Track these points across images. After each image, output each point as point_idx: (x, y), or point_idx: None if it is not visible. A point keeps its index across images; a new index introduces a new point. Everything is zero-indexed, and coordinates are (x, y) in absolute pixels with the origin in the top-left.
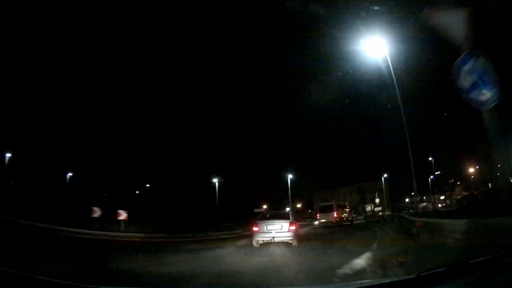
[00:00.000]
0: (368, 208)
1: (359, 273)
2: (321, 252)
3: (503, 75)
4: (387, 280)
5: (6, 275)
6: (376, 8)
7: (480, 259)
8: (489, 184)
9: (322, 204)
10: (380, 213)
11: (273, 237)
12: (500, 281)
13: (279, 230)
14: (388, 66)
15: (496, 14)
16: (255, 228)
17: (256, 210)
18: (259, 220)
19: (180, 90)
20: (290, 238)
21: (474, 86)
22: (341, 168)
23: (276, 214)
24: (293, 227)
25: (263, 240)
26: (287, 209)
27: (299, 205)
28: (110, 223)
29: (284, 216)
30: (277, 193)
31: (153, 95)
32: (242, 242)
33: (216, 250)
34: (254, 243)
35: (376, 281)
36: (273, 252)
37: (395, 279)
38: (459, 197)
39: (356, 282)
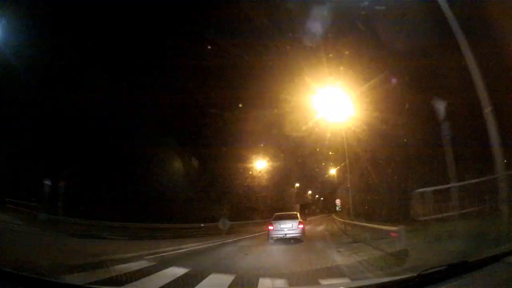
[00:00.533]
0: None
1: None
2: None
3: None
4: (387, 279)
5: (6, 275)
6: None
7: (480, 258)
8: None
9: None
10: None
11: (285, 233)
12: (499, 280)
13: (290, 227)
14: None
15: None
16: (270, 227)
17: None
18: (273, 220)
19: None
20: (301, 231)
21: None
22: None
23: (287, 215)
24: (301, 226)
25: (274, 235)
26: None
27: None
28: None
29: (293, 217)
30: None
31: None
32: None
33: None
34: (270, 240)
35: (376, 280)
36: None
37: (396, 278)
38: None
39: (356, 282)
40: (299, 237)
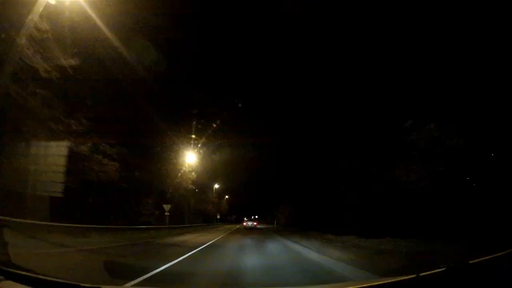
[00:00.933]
0: None
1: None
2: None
3: None
4: (386, 280)
5: (6, 274)
6: None
7: (481, 259)
8: None
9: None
10: None
11: (250, 225)
12: (500, 281)
13: (252, 223)
14: None
15: None
16: (244, 223)
17: None
18: (244, 220)
19: None
20: (255, 226)
21: None
22: None
23: (250, 219)
24: (255, 222)
25: (246, 226)
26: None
27: None
28: None
29: (254, 219)
30: None
31: None
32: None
33: None
34: (243, 227)
35: (375, 281)
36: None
37: (395, 279)
38: None
39: (355, 282)
40: (255, 227)
